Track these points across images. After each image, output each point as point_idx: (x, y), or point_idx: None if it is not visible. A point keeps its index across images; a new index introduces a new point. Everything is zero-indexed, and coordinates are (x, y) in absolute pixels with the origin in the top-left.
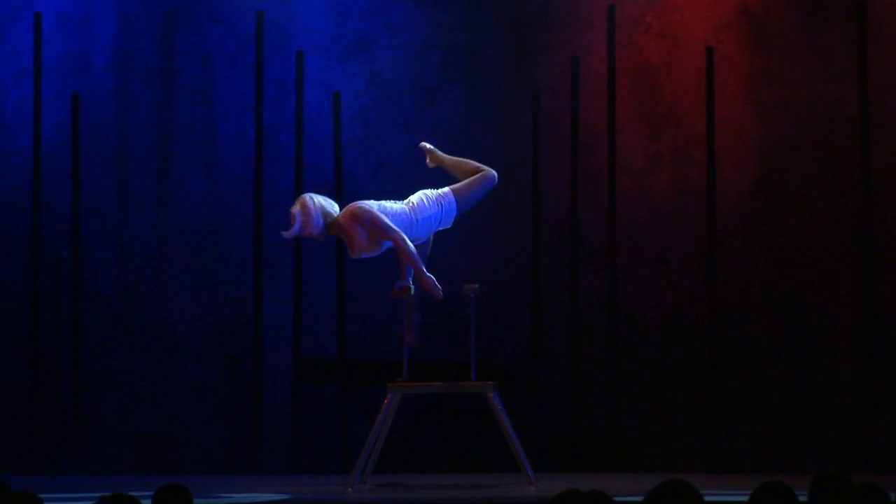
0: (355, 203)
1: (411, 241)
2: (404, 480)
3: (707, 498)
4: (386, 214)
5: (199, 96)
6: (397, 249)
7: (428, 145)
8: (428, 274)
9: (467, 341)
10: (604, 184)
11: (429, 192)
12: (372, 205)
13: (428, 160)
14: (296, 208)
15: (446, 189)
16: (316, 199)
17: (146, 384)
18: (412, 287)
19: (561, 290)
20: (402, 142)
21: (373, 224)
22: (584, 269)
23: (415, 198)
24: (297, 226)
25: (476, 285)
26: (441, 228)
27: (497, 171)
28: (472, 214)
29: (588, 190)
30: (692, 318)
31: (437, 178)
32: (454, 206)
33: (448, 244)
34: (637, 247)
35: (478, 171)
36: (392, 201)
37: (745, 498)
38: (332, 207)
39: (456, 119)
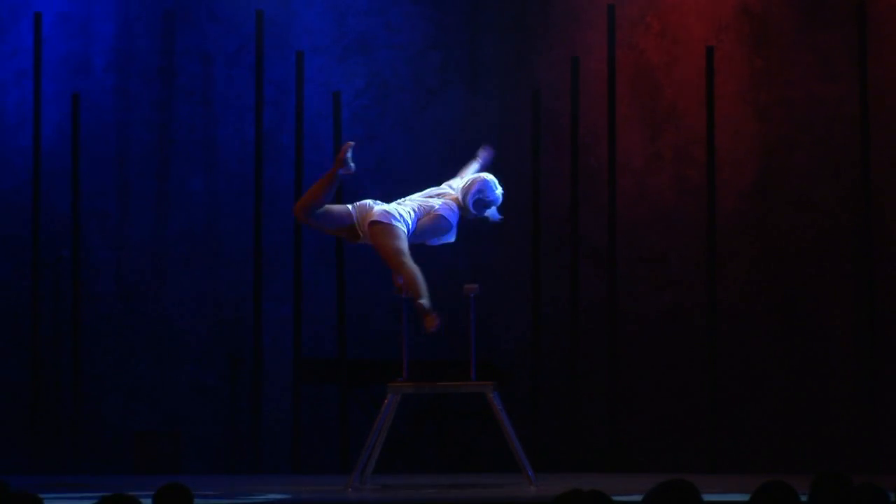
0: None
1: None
2: (404, 480)
3: (707, 498)
4: (401, 222)
5: (199, 96)
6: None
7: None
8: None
9: (467, 341)
10: (604, 184)
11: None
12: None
13: None
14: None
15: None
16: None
17: (146, 384)
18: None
19: (561, 290)
20: (402, 142)
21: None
22: (584, 269)
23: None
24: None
25: (476, 285)
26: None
27: (497, 171)
28: None
29: (588, 190)
30: (692, 318)
31: (438, 179)
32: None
33: (448, 244)
34: (637, 247)
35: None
36: (409, 205)
37: (746, 498)
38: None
39: (456, 119)
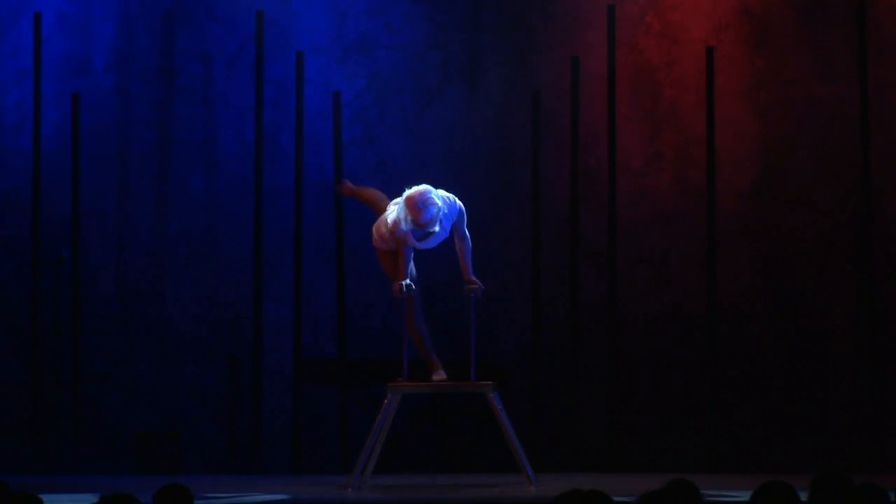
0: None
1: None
2: (404, 480)
3: (707, 498)
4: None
5: (199, 96)
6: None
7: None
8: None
9: (467, 341)
10: (604, 184)
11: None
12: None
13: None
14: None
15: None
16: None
17: (146, 384)
18: (412, 286)
19: (561, 290)
20: (402, 142)
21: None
22: (584, 269)
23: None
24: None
25: (476, 285)
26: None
27: (497, 171)
28: (472, 214)
29: (588, 190)
30: (692, 318)
31: (438, 179)
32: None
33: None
34: (637, 247)
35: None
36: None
37: (746, 498)
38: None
39: (456, 119)
